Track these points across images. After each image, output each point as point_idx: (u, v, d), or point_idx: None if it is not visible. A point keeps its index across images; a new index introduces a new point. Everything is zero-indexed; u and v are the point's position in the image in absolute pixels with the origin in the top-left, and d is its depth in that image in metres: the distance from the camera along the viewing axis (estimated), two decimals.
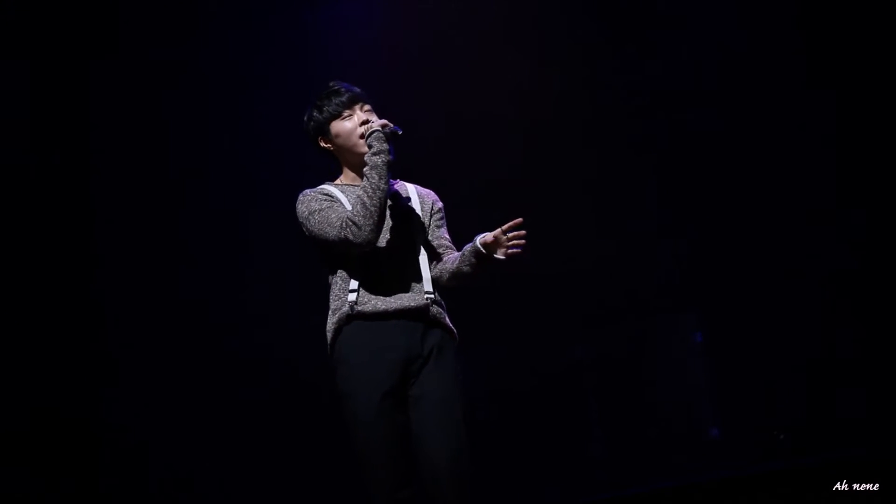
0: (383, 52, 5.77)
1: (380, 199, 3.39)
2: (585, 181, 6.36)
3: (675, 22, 6.31)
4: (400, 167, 3.55)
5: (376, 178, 3.39)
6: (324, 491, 5.63)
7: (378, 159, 3.41)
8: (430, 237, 3.62)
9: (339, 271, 3.51)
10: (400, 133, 3.44)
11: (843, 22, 5.96)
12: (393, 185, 3.62)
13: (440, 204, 3.72)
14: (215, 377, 5.94)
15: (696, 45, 6.30)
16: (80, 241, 5.94)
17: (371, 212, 3.38)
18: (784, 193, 6.15)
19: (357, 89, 3.61)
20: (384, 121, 3.46)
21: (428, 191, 3.74)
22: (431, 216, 3.65)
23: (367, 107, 3.58)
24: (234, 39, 6.14)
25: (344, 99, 3.57)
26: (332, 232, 3.40)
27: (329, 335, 3.50)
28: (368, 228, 3.38)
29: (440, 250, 3.61)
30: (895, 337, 5.73)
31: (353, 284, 3.47)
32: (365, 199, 3.39)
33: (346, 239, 3.38)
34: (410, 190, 3.67)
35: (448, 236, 3.68)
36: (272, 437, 5.91)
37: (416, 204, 3.62)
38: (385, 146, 3.42)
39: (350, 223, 3.39)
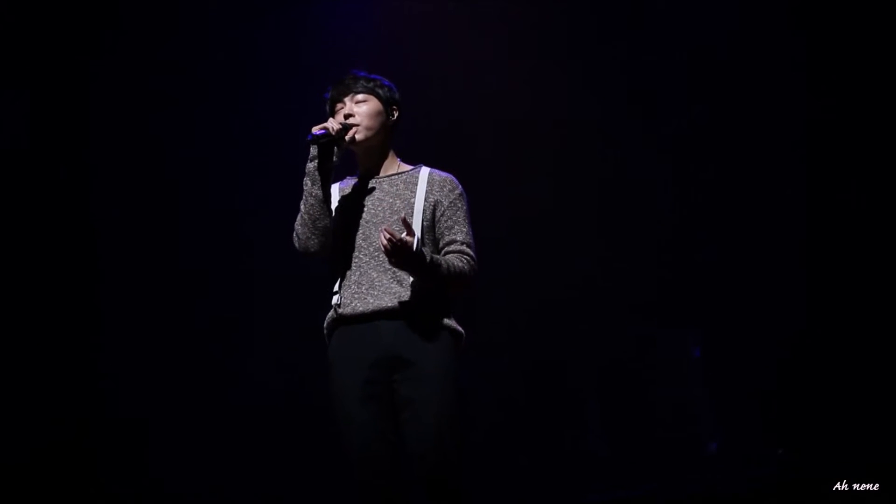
0: (383, 50, 5.82)
1: (311, 205, 3.35)
2: (587, 195, 6.36)
3: (676, 18, 6.32)
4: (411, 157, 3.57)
5: (309, 184, 3.37)
6: (326, 495, 5.60)
7: (308, 166, 3.39)
8: (436, 231, 3.45)
9: (330, 270, 3.48)
10: (309, 139, 3.36)
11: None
12: (414, 169, 3.54)
13: (456, 193, 3.47)
14: (215, 379, 5.93)
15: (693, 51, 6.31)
16: (80, 243, 5.93)
17: (304, 220, 3.37)
18: (782, 207, 6.16)
19: (355, 76, 3.55)
20: (326, 123, 3.41)
21: (445, 176, 3.51)
22: (436, 207, 3.43)
23: (359, 96, 3.49)
24: (234, 36, 6.17)
25: (335, 93, 3.54)
26: None
27: (326, 339, 3.48)
28: (305, 237, 3.37)
29: (442, 247, 3.43)
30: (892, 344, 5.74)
31: (335, 286, 3.44)
32: (300, 206, 3.39)
33: (295, 248, 3.41)
34: (422, 176, 3.50)
35: (461, 231, 3.43)
36: (272, 440, 5.89)
37: (420, 192, 3.46)
38: (313, 151, 3.38)
39: (294, 232, 3.40)
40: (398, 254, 3.18)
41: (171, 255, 6.00)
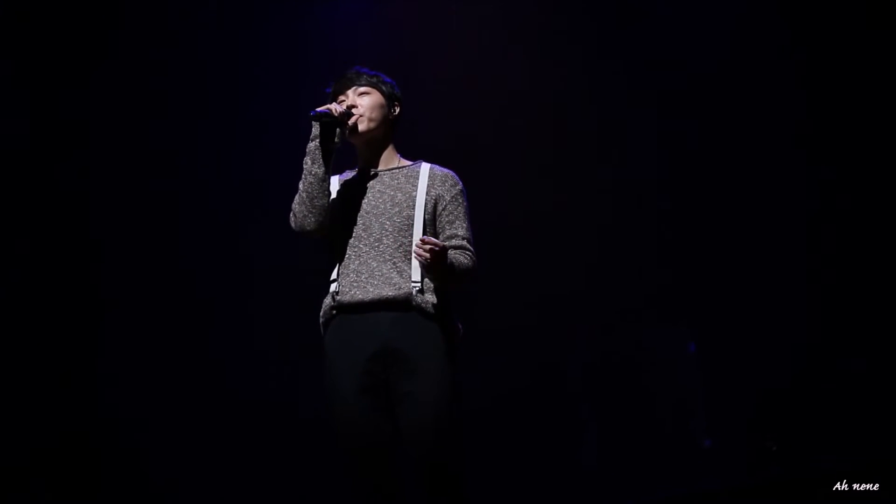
0: (382, 52, 5.83)
1: (310, 184, 3.37)
2: (585, 194, 6.38)
3: (676, 20, 6.35)
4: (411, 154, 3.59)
5: (309, 162, 3.39)
6: (325, 491, 5.62)
7: (310, 144, 3.40)
8: (437, 225, 3.47)
9: (328, 260, 3.49)
10: (312, 114, 3.38)
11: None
12: (414, 164, 3.57)
13: (458, 188, 3.51)
14: (216, 379, 5.94)
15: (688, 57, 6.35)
16: (79, 242, 5.92)
17: (303, 198, 3.38)
18: (779, 205, 6.20)
19: (358, 71, 3.58)
20: (330, 105, 3.44)
21: (446, 172, 3.55)
22: (437, 202, 3.47)
23: (361, 89, 3.53)
24: (235, 37, 6.18)
25: (338, 85, 3.56)
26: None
27: (321, 329, 3.48)
28: (302, 215, 3.38)
29: (442, 241, 3.41)
30: (891, 342, 5.79)
31: (334, 273, 3.44)
32: (299, 185, 3.40)
33: (292, 227, 3.42)
34: (423, 170, 3.53)
35: (462, 227, 3.47)
36: (272, 439, 5.91)
37: (422, 186, 3.48)
38: (314, 130, 3.39)
39: (291, 211, 3.41)
40: (439, 261, 3.21)
41: (170, 255, 5.99)
